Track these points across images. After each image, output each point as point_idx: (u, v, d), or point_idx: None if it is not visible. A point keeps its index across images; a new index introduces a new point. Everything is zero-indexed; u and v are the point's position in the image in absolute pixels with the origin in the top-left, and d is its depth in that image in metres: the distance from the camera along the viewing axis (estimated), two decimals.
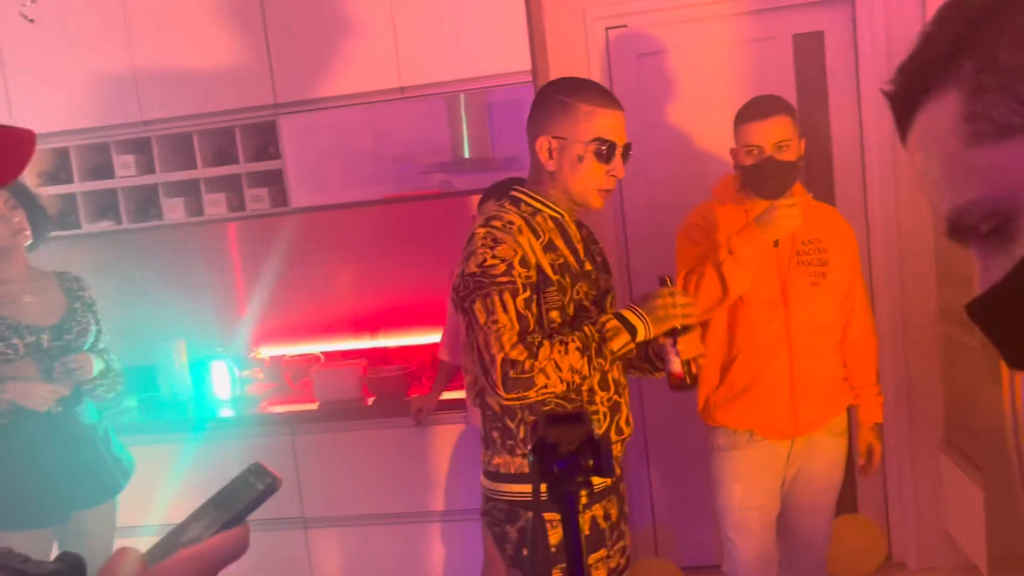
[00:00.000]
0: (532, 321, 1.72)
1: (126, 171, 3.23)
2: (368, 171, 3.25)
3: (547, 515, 1.77)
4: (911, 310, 3.14)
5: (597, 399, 1.84)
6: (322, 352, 3.49)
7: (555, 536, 1.78)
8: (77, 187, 3.26)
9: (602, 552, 1.88)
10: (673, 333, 1.79)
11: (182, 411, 3.27)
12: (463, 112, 3.18)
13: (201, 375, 3.35)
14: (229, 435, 3.09)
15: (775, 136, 2.24)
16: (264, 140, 3.20)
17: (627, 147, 1.83)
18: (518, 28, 2.91)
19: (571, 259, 1.83)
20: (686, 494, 3.37)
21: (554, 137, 1.80)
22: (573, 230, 1.88)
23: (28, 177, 3.08)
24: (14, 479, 2.40)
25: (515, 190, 1.89)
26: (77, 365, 2.44)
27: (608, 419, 1.85)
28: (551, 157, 1.81)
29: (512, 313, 1.69)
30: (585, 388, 1.82)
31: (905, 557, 3.28)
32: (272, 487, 0.78)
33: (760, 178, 2.28)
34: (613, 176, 1.81)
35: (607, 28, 3.21)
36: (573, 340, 1.71)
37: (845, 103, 3.16)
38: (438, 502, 3.06)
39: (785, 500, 2.46)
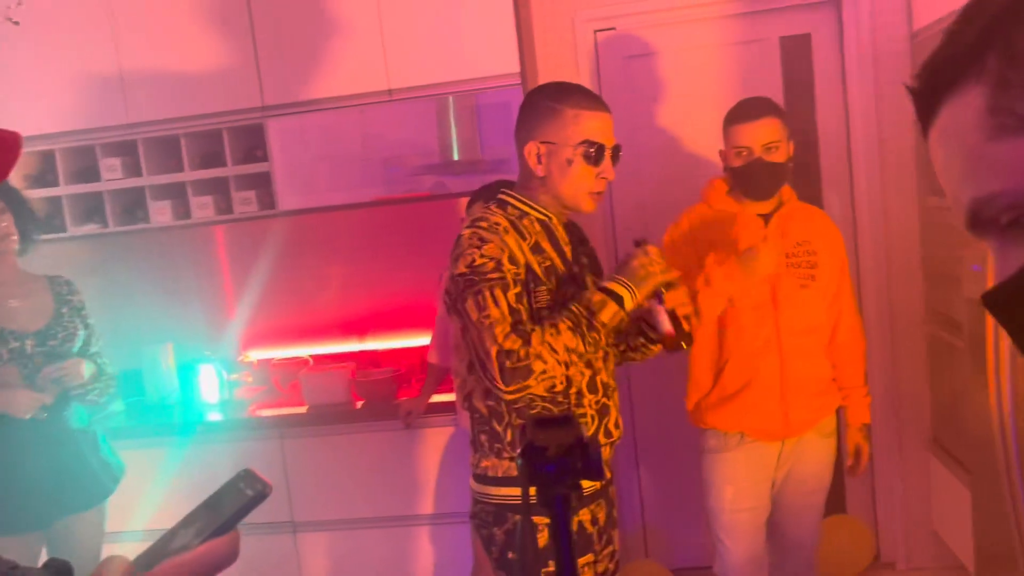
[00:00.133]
0: (524, 314, 1.72)
1: (112, 174, 3.21)
2: (356, 173, 3.24)
3: (535, 518, 1.76)
4: (898, 311, 3.15)
5: (585, 402, 1.83)
6: (311, 355, 3.47)
7: (542, 540, 1.77)
8: (63, 190, 3.24)
9: (589, 557, 1.87)
10: (657, 294, 1.78)
11: (169, 415, 3.25)
12: (452, 114, 3.18)
13: (189, 379, 3.33)
14: (217, 439, 3.07)
15: (765, 138, 2.24)
16: (252, 142, 3.19)
17: (616, 149, 1.83)
18: (506, 30, 2.91)
19: (558, 261, 1.83)
20: (676, 496, 3.37)
21: (542, 142, 1.79)
22: (561, 232, 1.88)
23: (13, 180, 3.06)
24: None
25: (502, 193, 1.88)
26: (65, 373, 2.41)
27: (596, 422, 1.85)
28: (540, 162, 1.80)
29: (504, 307, 1.69)
30: (573, 391, 1.82)
31: (893, 557, 3.30)
32: (262, 493, 0.77)
33: (750, 180, 2.28)
34: (603, 178, 1.81)
35: (595, 31, 3.21)
36: (563, 321, 1.70)
37: (832, 105, 3.17)
38: (427, 505, 3.05)
39: (775, 501, 2.46)
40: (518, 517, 1.80)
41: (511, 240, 1.76)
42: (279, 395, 3.34)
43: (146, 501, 3.01)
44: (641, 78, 3.23)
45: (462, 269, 1.73)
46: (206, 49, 3.07)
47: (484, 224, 1.77)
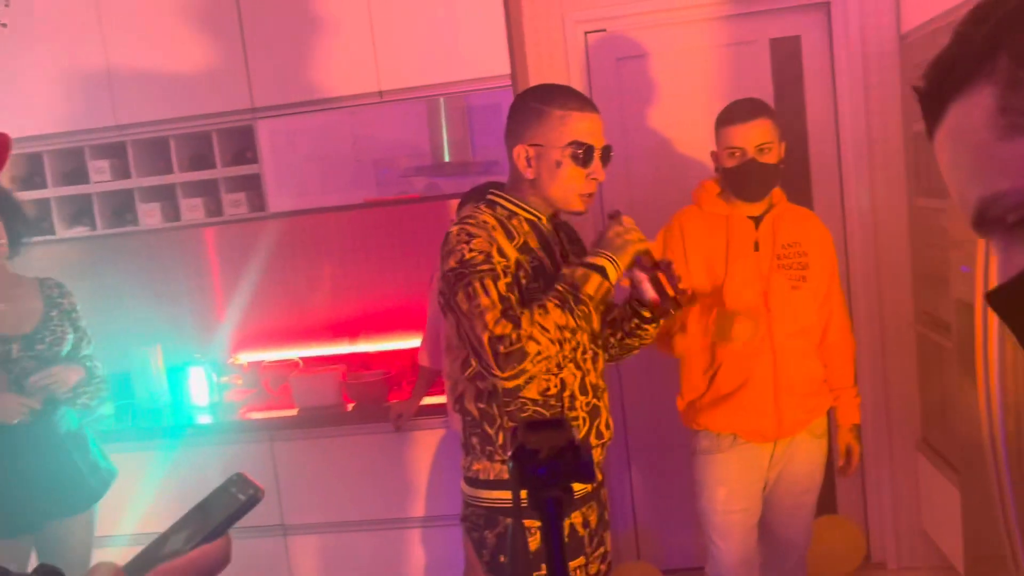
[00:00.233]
0: (515, 302, 1.71)
1: (101, 176, 3.19)
2: (347, 175, 3.23)
3: (526, 522, 1.76)
4: (888, 312, 3.16)
5: (577, 404, 1.83)
6: (301, 358, 3.46)
7: (533, 543, 1.77)
8: (51, 192, 3.22)
9: (580, 560, 1.87)
10: (637, 263, 1.78)
11: (159, 418, 3.24)
12: (443, 116, 3.18)
13: (178, 381, 3.32)
14: (207, 442, 3.06)
15: (758, 138, 2.25)
16: (242, 144, 3.17)
17: (606, 149, 1.82)
18: (497, 32, 2.91)
19: (546, 262, 1.83)
20: (668, 497, 3.37)
21: (530, 145, 1.79)
22: (550, 232, 1.88)
23: (1, 181, 3.04)
24: None
25: (491, 193, 1.88)
26: (52, 380, 2.39)
27: (588, 423, 1.85)
28: (529, 165, 1.80)
29: (494, 295, 1.68)
30: (567, 395, 1.82)
31: (884, 557, 3.31)
32: (255, 498, 0.77)
33: (742, 180, 2.29)
34: (593, 179, 1.80)
35: (586, 32, 3.22)
36: (550, 300, 1.70)
37: (822, 107, 3.18)
38: (419, 508, 3.05)
39: (767, 502, 2.47)
40: (509, 520, 1.80)
41: (499, 236, 1.76)
42: (269, 397, 3.33)
43: (136, 505, 2.99)
44: (632, 80, 3.24)
45: (452, 265, 1.73)
46: (195, 50, 3.06)
47: (472, 221, 1.78)
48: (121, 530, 2.97)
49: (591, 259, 1.75)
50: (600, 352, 1.93)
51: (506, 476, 1.77)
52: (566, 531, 1.80)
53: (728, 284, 2.31)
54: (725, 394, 2.35)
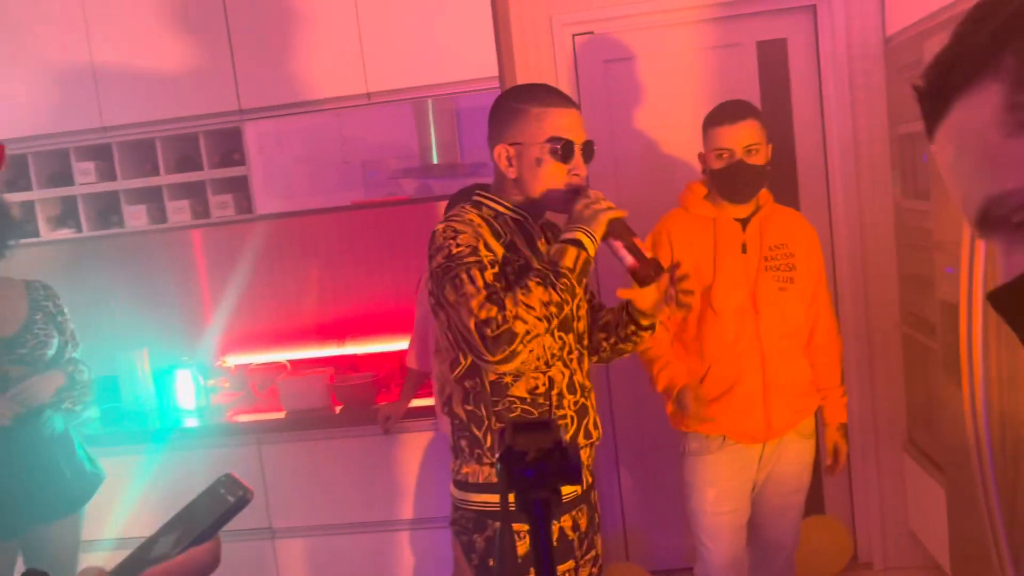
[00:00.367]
0: (500, 289, 1.70)
1: (86, 178, 3.17)
2: (335, 177, 3.23)
3: (515, 526, 1.75)
4: (874, 313, 3.18)
5: (565, 403, 1.83)
6: (289, 360, 3.45)
7: (523, 547, 1.76)
8: (36, 194, 3.19)
9: (570, 563, 1.86)
10: (612, 232, 1.76)
11: (145, 421, 3.21)
12: (431, 118, 3.17)
13: (165, 384, 3.30)
14: (194, 445, 3.04)
15: (745, 140, 2.26)
16: (229, 146, 3.16)
17: (587, 145, 1.82)
18: (485, 34, 2.91)
19: (534, 261, 1.83)
20: (657, 498, 3.38)
21: (510, 144, 1.79)
22: (537, 232, 1.88)
23: None
24: None
25: (477, 194, 1.88)
26: (29, 394, 2.37)
27: (575, 423, 1.85)
28: (511, 164, 1.80)
29: (479, 283, 1.67)
30: (555, 393, 1.82)
31: (871, 557, 3.32)
32: (244, 499, 0.76)
33: (730, 182, 2.29)
34: (575, 175, 1.79)
35: (574, 35, 3.22)
36: (531, 279, 1.69)
37: (808, 108, 3.20)
38: (407, 510, 3.04)
39: (756, 503, 2.48)
40: (499, 524, 1.80)
41: (485, 233, 1.77)
42: (256, 400, 3.31)
43: (123, 509, 2.97)
44: (619, 82, 3.24)
45: (440, 261, 1.72)
46: (181, 52, 3.05)
47: (458, 219, 1.78)
48: (108, 534, 2.95)
49: (565, 235, 1.74)
50: (585, 352, 1.94)
51: (495, 479, 1.77)
52: (555, 535, 1.81)
53: (716, 287, 2.32)
54: (715, 396, 2.36)
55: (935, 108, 0.59)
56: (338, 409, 3.11)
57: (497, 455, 0.81)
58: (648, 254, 1.77)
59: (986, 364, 2.07)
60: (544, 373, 1.80)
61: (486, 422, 1.81)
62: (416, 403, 2.98)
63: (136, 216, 3.16)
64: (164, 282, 3.54)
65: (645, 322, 1.92)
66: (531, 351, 1.70)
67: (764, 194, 2.38)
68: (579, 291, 1.73)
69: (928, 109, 0.60)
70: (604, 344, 2.00)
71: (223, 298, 3.52)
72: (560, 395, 1.82)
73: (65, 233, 3.25)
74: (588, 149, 1.82)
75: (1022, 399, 2.01)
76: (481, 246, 1.73)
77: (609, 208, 1.75)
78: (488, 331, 1.63)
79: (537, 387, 1.80)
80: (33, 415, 2.42)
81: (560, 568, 1.83)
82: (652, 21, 3.18)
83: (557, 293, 1.68)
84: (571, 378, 1.85)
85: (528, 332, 1.65)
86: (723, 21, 3.15)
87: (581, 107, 3.21)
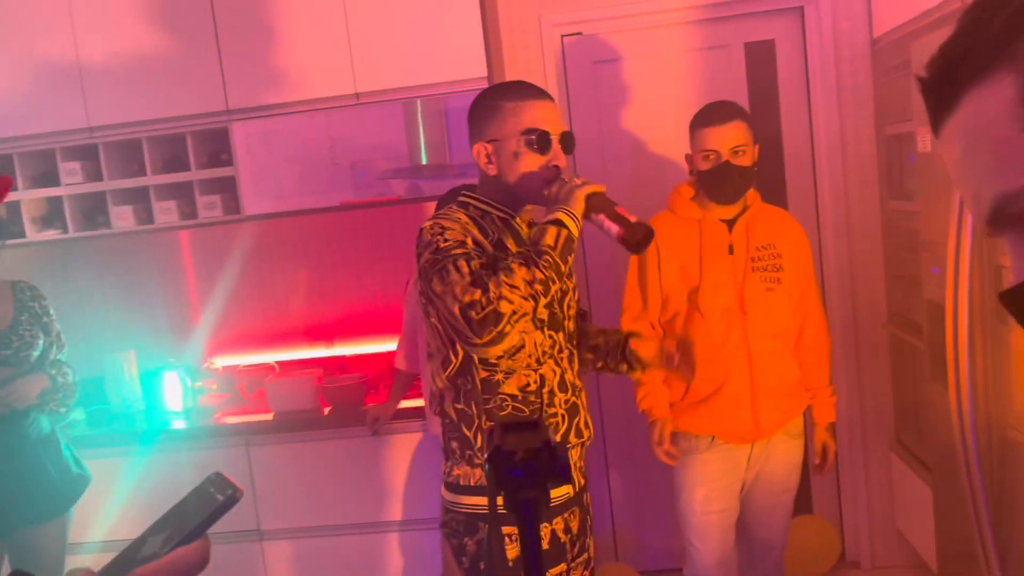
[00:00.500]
0: (485, 275, 1.68)
1: (72, 178, 3.15)
2: (323, 178, 3.22)
3: (506, 529, 1.75)
4: (861, 313, 3.20)
5: (556, 401, 1.83)
6: (277, 362, 3.44)
7: (513, 551, 1.76)
8: (22, 195, 3.17)
9: (562, 567, 1.85)
10: (593, 207, 1.74)
11: (132, 423, 3.20)
12: (420, 118, 3.17)
13: (152, 386, 3.28)
14: (181, 447, 3.03)
15: (732, 141, 2.26)
16: (216, 146, 3.15)
17: (566, 135, 1.81)
18: (474, 34, 2.91)
19: None
20: (646, 499, 3.38)
21: (488, 141, 1.80)
22: (524, 231, 1.88)
23: None
24: None
25: (463, 195, 1.88)
26: (15, 396, 2.36)
27: (566, 421, 1.84)
28: (490, 162, 1.80)
29: (465, 271, 1.67)
30: (546, 391, 1.81)
31: (859, 556, 3.34)
32: (233, 498, 0.76)
33: (717, 183, 2.30)
34: (555, 165, 1.78)
35: (562, 35, 3.23)
36: (512, 260, 1.69)
37: (796, 109, 3.22)
38: (396, 512, 3.03)
39: (745, 502, 2.48)
40: (487, 525, 1.79)
41: (473, 230, 1.77)
42: (245, 402, 3.30)
43: (110, 510, 2.95)
44: (608, 83, 3.25)
45: (427, 257, 1.72)
46: (169, 51, 3.03)
47: (445, 216, 1.79)
48: (95, 536, 2.93)
49: (544, 218, 1.74)
50: (576, 352, 1.94)
51: (487, 482, 1.76)
52: (548, 538, 1.81)
53: (702, 288, 2.32)
54: (703, 397, 2.37)
55: (942, 101, 0.55)
56: (326, 410, 3.10)
57: (486, 455, 0.81)
58: (632, 219, 1.73)
59: (972, 364, 2.09)
60: (535, 371, 1.80)
61: (476, 421, 1.80)
62: (405, 404, 2.98)
63: (123, 217, 3.15)
64: (151, 283, 3.53)
65: (638, 369, 1.93)
66: (519, 332, 1.68)
67: (752, 194, 2.38)
68: (563, 267, 1.71)
69: (934, 103, 0.56)
70: (590, 363, 2.01)
71: (211, 299, 3.50)
72: (551, 393, 1.82)
73: (51, 234, 3.23)
74: (566, 140, 1.81)
75: (1008, 399, 2.03)
76: (469, 241, 1.73)
77: (584, 183, 1.74)
78: (473, 314, 1.62)
79: (528, 384, 1.79)
80: (19, 417, 2.40)
81: (552, 571, 1.82)
82: (641, 22, 3.19)
83: (540, 271, 1.66)
84: (562, 376, 1.84)
85: (514, 312, 1.63)
86: (711, 23, 3.16)
87: (570, 108, 3.25)
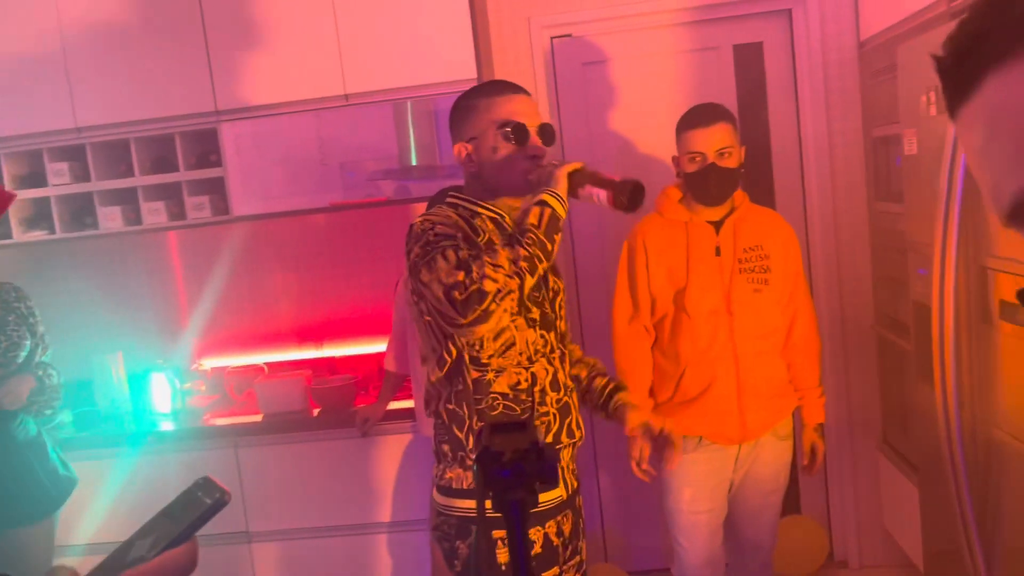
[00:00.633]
0: (470, 259, 1.68)
1: (60, 179, 3.14)
2: (313, 179, 3.21)
3: (496, 533, 1.74)
4: (849, 315, 3.22)
5: (548, 400, 1.83)
6: (266, 363, 3.43)
7: (505, 555, 1.75)
8: None
9: (554, 570, 1.84)
10: (578, 182, 1.74)
11: (120, 425, 3.18)
12: (410, 119, 3.17)
13: (140, 388, 3.27)
14: (170, 449, 3.02)
15: (717, 143, 2.28)
16: (205, 147, 3.14)
17: (544, 127, 1.81)
18: (463, 35, 2.91)
19: None
20: (635, 499, 3.39)
21: (467, 141, 1.81)
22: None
23: None
24: None
25: (450, 196, 1.89)
26: (8, 399, 2.34)
27: (558, 420, 1.84)
28: (471, 160, 1.81)
29: (452, 259, 1.67)
30: (537, 389, 1.81)
31: (846, 556, 3.36)
32: (221, 501, 0.76)
33: (703, 185, 2.31)
34: (534, 156, 1.78)
35: (552, 37, 3.23)
36: (495, 242, 1.69)
37: (784, 111, 3.23)
38: (385, 513, 3.03)
39: (733, 503, 2.49)
40: (475, 527, 1.79)
41: (464, 228, 1.77)
42: (233, 403, 3.29)
43: (98, 513, 2.94)
44: (598, 84, 3.26)
45: (416, 251, 1.72)
46: (157, 52, 3.02)
47: (434, 213, 1.80)
48: (82, 539, 2.92)
49: (530, 199, 1.74)
50: (567, 353, 1.94)
51: None
52: (540, 541, 1.80)
53: (689, 290, 2.33)
54: (691, 398, 2.37)
55: (961, 83, 0.51)
56: (316, 412, 3.09)
57: (474, 455, 0.81)
58: (616, 178, 1.72)
59: (958, 365, 2.10)
60: (527, 369, 1.80)
61: (467, 421, 1.80)
62: (394, 405, 2.97)
63: (111, 218, 3.13)
64: (139, 284, 3.51)
65: (613, 412, 1.96)
66: (506, 311, 1.67)
67: (739, 195, 2.39)
68: (548, 245, 1.69)
69: (952, 84, 0.52)
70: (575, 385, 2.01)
71: (199, 300, 3.49)
72: (543, 392, 1.82)
73: (38, 235, 3.21)
74: (545, 132, 1.81)
75: (993, 399, 2.04)
76: (459, 235, 1.73)
77: (563, 163, 1.75)
78: (456, 294, 1.63)
79: (519, 383, 1.79)
80: (7, 418, 2.39)
81: (544, 575, 1.83)
82: (630, 24, 3.20)
83: (524, 248, 1.67)
84: (554, 376, 1.84)
85: (499, 291, 1.63)
86: (700, 25, 3.18)
87: (559, 109, 3.25)
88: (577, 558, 1.93)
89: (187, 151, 3.12)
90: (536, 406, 1.80)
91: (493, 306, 1.63)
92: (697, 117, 2.31)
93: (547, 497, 1.81)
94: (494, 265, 1.64)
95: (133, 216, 3.16)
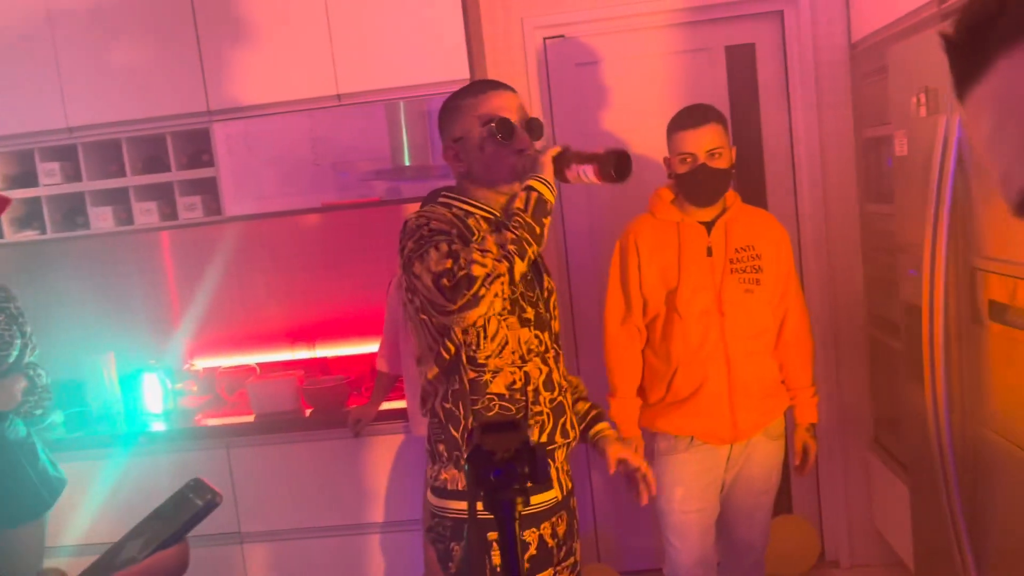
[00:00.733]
0: (461, 249, 1.68)
1: (51, 179, 3.13)
2: (305, 179, 3.21)
3: (492, 535, 1.74)
4: (841, 315, 3.23)
5: (541, 399, 1.83)
6: (258, 363, 3.42)
7: (497, 557, 1.75)
8: None
9: (549, 572, 1.84)
10: (565, 165, 1.73)
11: (112, 426, 3.17)
12: (402, 120, 3.17)
13: (132, 388, 3.26)
14: (162, 449, 3.01)
15: (708, 144, 2.28)
16: (197, 147, 3.13)
17: (532, 121, 1.82)
18: (456, 36, 2.92)
19: None
20: (627, 499, 3.38)
21: (454, 140, 1.81)
22: None
23: None
24: None
25: (443, 196, 1.89)
26: (3, 401, 2.34)
27: (552, 420, 1.84)
28: (460, 159, 1.82)
29: (444, 250, 1.66)
30: (531, 388, 1.81)
31: (838, 555, 3.37)
32: (212, 503, 0.76)
33: (694, 185, 2.32)
34: (520, 149, 1.78)
35: (545, 38, 3.24)
36: (483, 230, 1.70)
37: (776, 112, 3.24)
38: (377, 513, 3.03)
39: (724, 503, 2.50)
40: (466, 528, 1.79)
41: (459, 225, 1.77)
42: (225, 404, 3.28)
43: (89, 514, 2.93)
44: (591, 85, 3.26)
45: (410, 246, 1.72)
46: (149, 51, 3.01)
47: (429, 210, 1.80)
48: (73, 540, 2.91)
49: (518, 188, 1.74)
50: (562, 353, 1.94)
51: None
52: (535, 543, 1.81)
53: (680, 291, 2.34)
54: (682, 398, 2.38)
55: (970, 66, 0.48)
56: (308, 412, 3.09)
57: (466, 455, 0.81)
58: (600, 151, 1.72)
59: (948, 365, 2.11)
60: (520, 368, 1.80)
61: (463, 421, 1.79)
62: (386, 406, 2.97)
63: (102, 218, 3.12)
64: (131, 285, 3.50)
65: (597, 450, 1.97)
66: (496, 295, 1.66)
67: (731, 196, 2.40)
68: (537, 228, 1.69)
69: (960, 66, 0.49)
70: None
71: (191, 301, 3.48)
72: (536, 391, 1.81)
73: (29, 235, 3.20)
74: (533, 126, 1.82)
75: (983, 399, 2.05)
76: (454, 231, 1.73)
77: (546, 148, 1.76)
78: (445, 281, 1.62)
79: (514, 382, 1.79)
80: None
81: None
82: (623, 25, 3.20)
83: (512, 231, 1.67)
84: (548, 375, 1.84)
85: (488, 275, 1.63)
86: (692, 26, 3.19)
87: (552, 110, 3.26)
88: (571, 559, 1.93)
89: (179, 151, 3.11)
90: (530, 405, 1.80)
91: (483, 291, 1.63)
92: (687, 118, 2.32)
93: (542, 498, 1.81)
94: (482, 251, 1.64)
95: (125, 216, 3.15)
